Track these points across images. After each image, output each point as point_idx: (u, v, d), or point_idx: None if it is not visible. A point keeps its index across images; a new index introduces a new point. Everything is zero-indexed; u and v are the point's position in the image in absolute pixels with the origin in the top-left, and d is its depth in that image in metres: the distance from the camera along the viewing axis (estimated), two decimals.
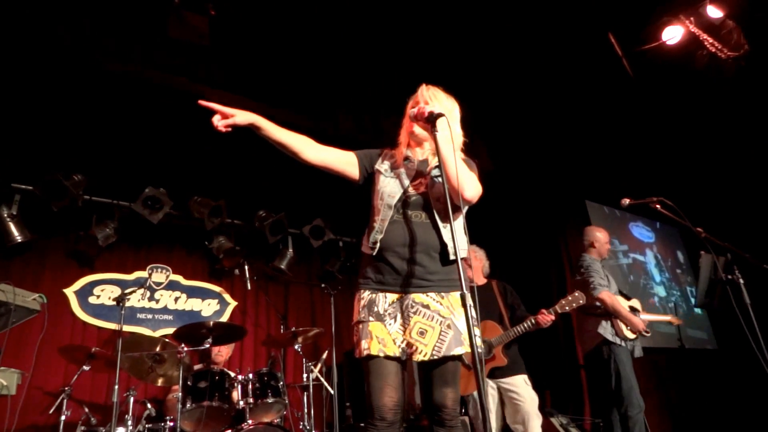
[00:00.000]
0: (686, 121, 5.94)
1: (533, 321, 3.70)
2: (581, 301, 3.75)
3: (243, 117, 2.02)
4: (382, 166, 2.24)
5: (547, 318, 3.69)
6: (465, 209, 2.18)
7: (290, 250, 6.02)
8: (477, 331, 2.00)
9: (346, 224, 6.37)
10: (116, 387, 3.25)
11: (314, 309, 6.20)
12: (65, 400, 3.51)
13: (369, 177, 2.26)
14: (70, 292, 4.88)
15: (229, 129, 2.03)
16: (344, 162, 2.24)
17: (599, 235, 4.43)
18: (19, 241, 4.41)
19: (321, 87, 5.13)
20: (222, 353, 4.43)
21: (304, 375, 4.13)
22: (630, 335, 4.03)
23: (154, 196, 5.08)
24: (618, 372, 3.90)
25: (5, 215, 4.37)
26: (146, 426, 3.41)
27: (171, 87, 4.64)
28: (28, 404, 4.04)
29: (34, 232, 4.64)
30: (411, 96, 2.28)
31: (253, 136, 2.10)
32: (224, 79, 4.79)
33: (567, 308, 3.74)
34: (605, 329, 4.04)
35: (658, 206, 3.61)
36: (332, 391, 3.88)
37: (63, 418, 3.49)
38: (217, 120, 2.01)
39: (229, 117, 2.01)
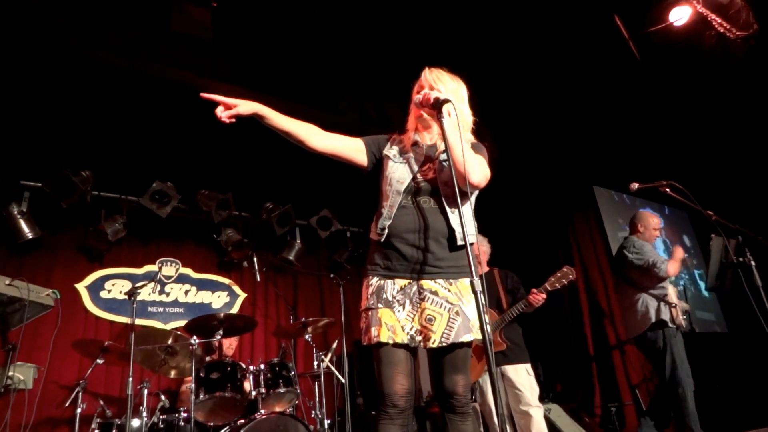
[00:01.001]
0: (695, 104, 5.87)
1: (526, 302, 3.70)
2: (571, 276, 3.70)
3: (246, 107, 2.01)
4: (391, 151, 2.22)
5: (537, 297, 3.67)
6: (474, 194, 2.17)
7: (298, 241, 6.04)
8: (487, 318, 2.00)
9: (352, 214, 6.38)
10: (130, 379, 3.28)
11: (323, 299, 6.23)
12: (80, 394, 3.54)
13: (377, 163, 2.24)
14: (81, 287, 4.93)
15: (233, 120, 2.02)
16: (352, 148, 2.22)
17: (650, 221, 4.37)
18: (30, 237, 4.45)
19: (324, 75, 5.11)
20: (231, 345, 4.47)
21: (315, 364, 4.15)
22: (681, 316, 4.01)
23: (161, 191, 5.10)
24: (674, 354, 3.87)
25: (15, 212, 4.40)
26: (160, 417, 3.45)
27: (175, 81, 4.65)
28: (44, 398, 4.09)
29: (44, 228, 4.68)
30: (416, 80, 2.25)
31: (257, 127, 2.09)
32: (228, 71, 4.78)
33: (557, 285, 3.70)
34: (663, 312, 3.97)
35: (667, 190, 3.58)
36: (343, 380, 3.91)
37: (78, 411, 3.53)
38: (220, 111, 2.00)
39: (232, 107, 2.00)
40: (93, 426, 3.49)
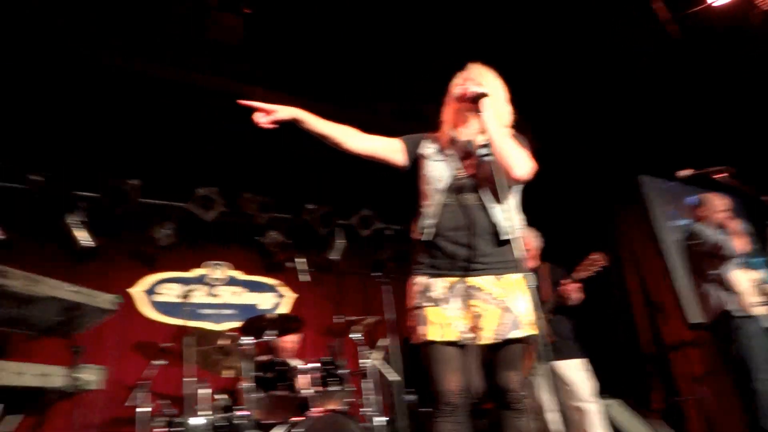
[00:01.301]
0: (742, 85, 5.64)
1: (558, 293, 3.65)
2: (600, 263, 3.60)
3: (285, 112, 2.08)
4: (428, 149, 2.23)
5: (568, 288, 3.61)
6: (519, 188, 2.16)
7: (340, 240, 6.11)
8: (536, 313, 2.00)
9: (393, 212, 6.41)
10: (189, 379, 3.40)
11: (368, 298, 6.28)
12: (141, 394, 3.70)
13: (415, 162, 2.24)
14: (136, 291, 5.13)
15: (275, 125, 2.09)
16: (389, 149, 2.25)
17: (714, 203, 4.14)
18: (88, 245, 4.65)
19: (358, 77, 5.14)
20: (289, 344, 4.56)
21: (363, 362, 4.21)
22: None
23: (206, 196, 5.26)
24: (744, 346, 3.64)
25: (74, 222, 4.61)
26: (220, 416, 3.56)
27: (212, 88, 4.79)
28: (107, 398, 4.28)
29: (98, 236, 4.88)
30: (455, 76, 2.25)
31: (295, 131, 2.14)
32: (262, 75, 4.89)
33: (586, 273, 3.61)
34: (731, 301, 3.74)
35: (721, 175, 3.45)
36: (394, 378, 3.95)
37: (140, 410, 3.69)
38: (259, 117, 2.07)
39: (270, 113, 2.06)
40: (153, 424, 3.64)
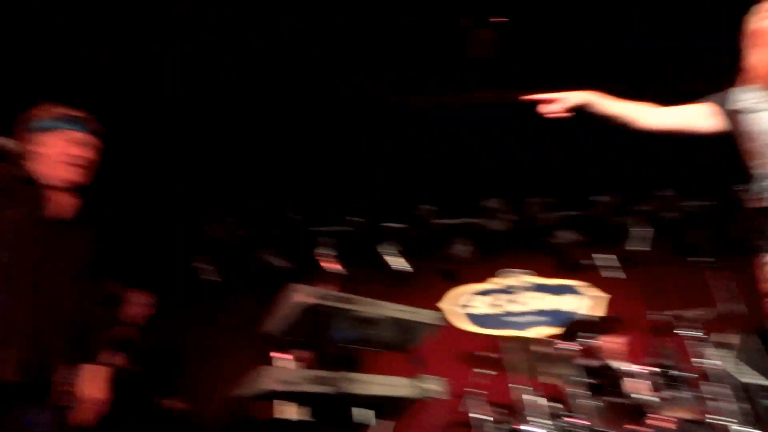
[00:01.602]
0: None
1: None
2: None
3: (577, 96, 2.06)
4: (742, 102, 1.90)
5: None
6: None
7: (640, 229, 5.55)
8: None
9: (696, 189, 5.56)
10: (516, 386, 3.44)
11: (690, 288, 5.52)
12: (472, 401, 3.91)
13: (732, 121, 1.94)
14: (445, 305, 5.53)
15: (568, 113, 2.03)
16: (693, 116, 2.02)
17: None
18: (404, 269, 5.23)
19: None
20: (614, 345, 4.30)
21: (704, 362, 3.65)
22: None
23: (494, 207, 5.42)
24: None
25: (391, 252, 5.22)
26: (551, 422, 3.52)
27: (477, 103, 4.90)
28: (441, 405, 4.66)
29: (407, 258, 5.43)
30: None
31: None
32: (517, 84, 4.75)
33: None
34: None
35: None
36: (752, 380, 3.32)
37: (473, 415, 3.90)
38: (547, 108, 2.07)
39: (557, 102, 2.05)
40: (487, 429, 3.79)
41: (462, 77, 4.89)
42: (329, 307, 2.66)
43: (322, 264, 4.05)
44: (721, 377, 3.47)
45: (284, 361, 2.96)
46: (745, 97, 1.93)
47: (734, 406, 3.28)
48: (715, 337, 3.71)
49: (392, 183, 5.50)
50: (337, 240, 4.91)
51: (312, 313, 2.63)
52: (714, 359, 3.53)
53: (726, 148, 1.99)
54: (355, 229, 5.28)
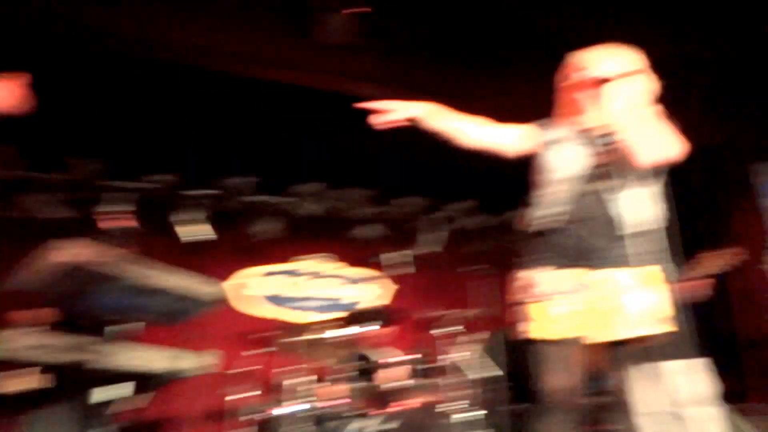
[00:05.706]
0: None
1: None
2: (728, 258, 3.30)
3: (414, 109, 2.09)
4: (550, 136, 2.11)
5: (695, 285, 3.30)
6: (655, 176, 1.96)
7: (431, 233, 6.03)
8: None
9: (496, 202, 6.19)
10: (282, 369, 3.48)
11: (467, 291, 6.06)
12: (235, 381, 3.90)
13: (534, 150, 2.14)
14: (232, 283, 5.38)
15: (403, 123, 2.09)
16: (512, 138, 2.16)
17: None
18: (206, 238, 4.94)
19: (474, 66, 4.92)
20: (375, 336, 4.58)
21: (458, 356, 4.11)
22: None
23: (301, 192, 5.50)
24: None
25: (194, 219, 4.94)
26: (309, 405, 3.61)
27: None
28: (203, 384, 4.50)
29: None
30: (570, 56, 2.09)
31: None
32: (378, 72, 4.76)
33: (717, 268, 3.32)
34: None
35: None
36: (492, 373, 3.85)
37: (228, 398, 3.91)
38: (379, 118, 2.07)
39: (393, 112, 2.06)
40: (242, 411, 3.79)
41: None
42: (94, 271, 2.43)
43: (113, 221, 3.71)
44: (467, 368, 3.98)
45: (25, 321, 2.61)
46: (555, 132, 2.10)
47: (472, 392, 3.81)
48: (469, 334, 4.27)
49: (210, 151, 5.20)
50: (139, 197, 4.55)
51: (72, 276, 2.38)
52: (464, 353, 4.02)
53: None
54: (159, 190, 4.88)
